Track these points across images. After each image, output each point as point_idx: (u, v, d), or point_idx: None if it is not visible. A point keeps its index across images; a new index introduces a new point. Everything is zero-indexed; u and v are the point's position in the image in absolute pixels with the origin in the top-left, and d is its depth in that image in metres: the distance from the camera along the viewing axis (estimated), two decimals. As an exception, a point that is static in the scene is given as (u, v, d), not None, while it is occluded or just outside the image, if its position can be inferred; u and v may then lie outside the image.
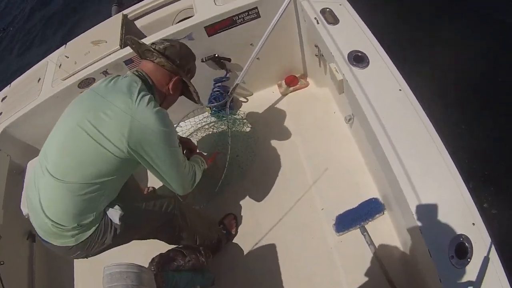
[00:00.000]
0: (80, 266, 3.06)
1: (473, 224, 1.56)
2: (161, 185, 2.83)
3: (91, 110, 1.70)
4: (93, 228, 1.80)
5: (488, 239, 1.52)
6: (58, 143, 1.75)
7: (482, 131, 3.39)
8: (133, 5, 3.25)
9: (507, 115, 3.39)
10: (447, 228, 1.57)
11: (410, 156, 1.76)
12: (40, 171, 1.76)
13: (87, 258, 1.94)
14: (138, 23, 3.23)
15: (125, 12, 3.15)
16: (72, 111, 1.80)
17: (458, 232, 1.55)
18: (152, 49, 1.92)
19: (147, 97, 1.75)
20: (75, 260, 3.05)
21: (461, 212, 1.58)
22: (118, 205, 1.85)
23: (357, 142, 2.74)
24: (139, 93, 1.74)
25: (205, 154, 2.56)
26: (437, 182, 1.67)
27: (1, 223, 2.68)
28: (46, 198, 1.73)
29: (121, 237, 1.91)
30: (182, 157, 1.92)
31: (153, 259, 2.16)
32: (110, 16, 3.28)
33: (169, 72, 1.95)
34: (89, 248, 1.84)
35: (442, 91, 3.58)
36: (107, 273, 1.68)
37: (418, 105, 1.89)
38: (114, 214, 1.84)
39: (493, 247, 1.51)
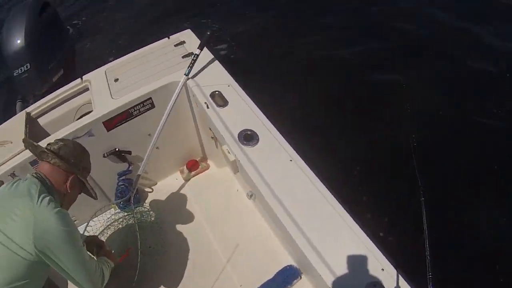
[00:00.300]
0: None
1: (382, 269, 1.64)
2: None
3: None
4: None
5: (398, 278, 1.61)
6: None
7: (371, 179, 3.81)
8: (36, 101, 3.28)
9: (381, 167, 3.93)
10: (358, 279, 1.63)
11: (309, 221, 1.85)
12: None
13: None
14: (42, 120, 3.24)
15: (28, 110, 3.15)
16: None
17: (370, 280, 1.61)
18: (47, 151, 1.99)
19: (47, 198, 1.79)
20: None
21: (368, 261, 1.66)
22: None
23: (262, 215, 2.81)
24: (39, 195, 1.78)
25: (113, 252, 2.53)
26: (340, 241, 1.76)
27: None
28: None
29: None
30: (87, 255, 1.95)
31: None
32: (15, 112, 3.32)
33: (65, 172, 2.01)
34: None
35: (329, 153, 3.98)
36: None
37: (308, 170, 2.04)
38: None
39: (405, 282, 1.60)
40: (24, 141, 2.17)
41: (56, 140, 2.15)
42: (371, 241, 1.73)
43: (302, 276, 2.46)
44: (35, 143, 2.07)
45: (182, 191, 3.31)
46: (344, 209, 1.90)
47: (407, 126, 3.74)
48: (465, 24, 5.57)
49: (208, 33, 2.83)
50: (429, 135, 4.09)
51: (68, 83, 3.25)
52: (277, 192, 2.01)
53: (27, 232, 1.67)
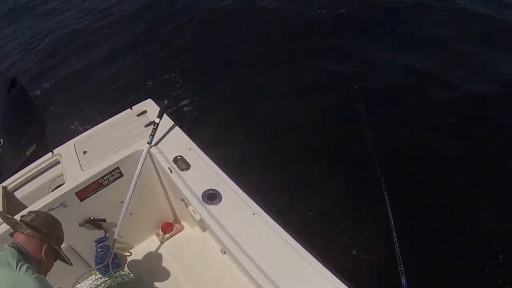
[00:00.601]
0: None
1: None
2: None
3: None
4: None
5: None
6: None
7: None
8: (11, 175, 3.38)
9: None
10: None
11: (279, 271, 1.94)
12: None
13: None
14: (18, 194, 3.34)
15: (4, 184, 3.26)
16: None
17: None
18: (20, 222, 2.11)
19: (25, 266, 1.88)
20: None
21: None
22: None
23: (238, 267, 2.85)
24: (17, 264, 1.86)
25: None
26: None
27: None
28: None
29: None
30: None
31: None
32: None
33: (39, 241, 2.09)
34: None
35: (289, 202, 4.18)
36: None
37: (270, 220, 2.15)
38: None
39: None
40: None
41: (29, 212, 2.25)
42: (339, 281, 1.82)
43: None
44: (8, 216, 2.22)
45: (159, 253, 3.38)
46: (310, 253, 1.99)
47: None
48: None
49: (166, 102, 3.02)
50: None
51: (41, 155, 3.38)
52: (244, 246, 2.10)
53: None
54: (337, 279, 1.86)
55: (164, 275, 3.19)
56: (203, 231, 2.58)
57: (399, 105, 5.36)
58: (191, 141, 2.83)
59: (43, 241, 2.11)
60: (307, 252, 1.99)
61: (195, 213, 2.43)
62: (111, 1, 11.71)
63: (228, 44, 7.81)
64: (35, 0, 14.19)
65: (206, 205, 2.36)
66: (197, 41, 8.30)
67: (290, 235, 2.11)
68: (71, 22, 11.86)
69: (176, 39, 8.61)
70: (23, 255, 1.99)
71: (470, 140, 4.66)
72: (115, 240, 3.00)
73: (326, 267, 1.93)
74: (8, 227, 2.75)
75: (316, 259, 1.97)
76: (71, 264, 2.29)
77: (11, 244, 2.04)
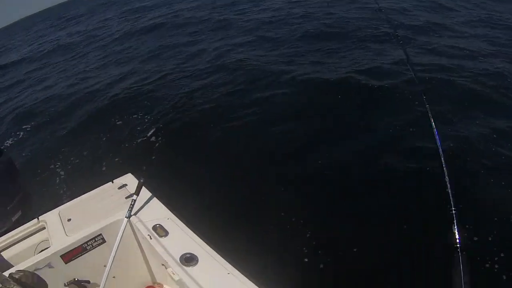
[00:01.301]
0: None
1: None
2: None
3: None
4: None
5: None
6: None
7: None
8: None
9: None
10: None
11: None
12: None
13: None
14: (5, 254, 3.52)
15: None
16: None
17: None
18: (9, 279, 2.28)
19: None
20: None
21: None
22: None
23: None
24: None
25: None
26: None
27: None
28: None
29: None
30: None
31: None
32: None
33: None
34: None
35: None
36: None
37: (245, 279, 2.37)
38: None
39: None
40: None
41: (17, 270, 2.45)
42: None
43: None
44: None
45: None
46: None
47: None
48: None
49: (142, 180, 3.29)
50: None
51: (27, 221, 3.61)
52: None
53: None
54: None
55: None
56: None
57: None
58: (169, 211, 3.12)
59: None
60: None
61: (173, 274, 2.63)
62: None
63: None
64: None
65: (184, 266, 2.59)
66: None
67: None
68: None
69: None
70: None
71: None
72: None
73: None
74: None
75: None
76: None
77: None
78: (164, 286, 3.65)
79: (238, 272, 2.48)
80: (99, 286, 3.25)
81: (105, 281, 3.06)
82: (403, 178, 5.46)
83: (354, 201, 5.19)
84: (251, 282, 2.39)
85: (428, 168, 5.33)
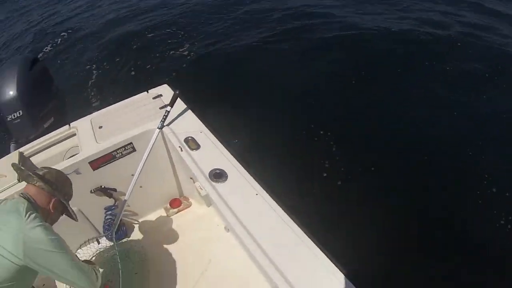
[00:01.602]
0: None
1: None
2: None
3: None
4: None
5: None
6: None
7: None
8: (28, 143, 3.62)
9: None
10: None
11: (277, 250, 2.10)
12: None
13: None
14: (33, 160, 3.56)
15: (21, 150, 3.49)
16: None
17: None
18: (33, 174, 2.26)
19: (33, 215, 2.02)
20: None
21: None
22: None
23: (241, 246, 3.05)
24: (26, 212, 2.00)
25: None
26: (307, 269, 1.99)
27: None
28: None
29: None
30: (77, 258, 2.19)
31: None
32: (9, 152, 3.64)
33: (48, 194, 2.24)
34: None
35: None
36: None
37: (273, 202, 2.30)
38: None
39: None
40: (12, 165, 2.50)
41: (41, 167, 2.43)
42: (334, 266, 1.97)
43: None
44: (22, 167, 2.39)
45: (166, 226, 3.57)
46: (309, 237, 2.14)
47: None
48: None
49: (177, 91, 3.22)
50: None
51: (57, 128, 3.61)
52: (245, 224, 2.26)
53: (17, 244, 1.89)
54: (332, 264, 2.00)
55: (169, 247, 3.39)
56: (208, 206, 2.77)
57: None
58: (202, 124, 3.04)
59: (52, 195, 2.26)
60: (306, 236, 2.14)
61: (201, 189, 2.61)
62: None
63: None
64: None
65: (212, 182, 2.55)
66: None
67: (291, 217, 2.27)
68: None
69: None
70: (32, 205, 2.13)
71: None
72: (124, 201, 3.15)
73: (323, 251, 2.07)
74: (20, 188, 2.98)
75: (315, 243, 2.11)
76: (76, 220, 2.47)
77: (21, 194, 2.18)
78: (190, 200, 3.68)
79: (266, 194, 2.42)
80: (124, 194, 3.29)
81: (132, 189, 3.09)
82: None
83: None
84: (279, 207, 2.32)
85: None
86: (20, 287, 2.03)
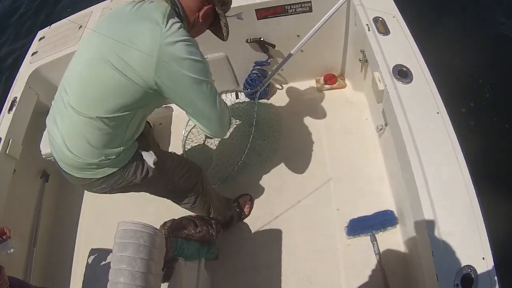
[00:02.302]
0: (88, 212, 3.27)
1: (483, 258, 1.61)
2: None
3: (114, 37, 1.61)
4: (123, 164, 1.85)
5: (494, 277, 1.58)
6: (79, 74, 1.71)
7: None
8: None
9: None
10: (458, 256, 1.63)
11: (435, 176, 1.82)
12: (61, 104, 1.76)
13: (111, 193, 1.99)
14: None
15: None
16: (92, 40, 1.72)
17: (468, 263, 1.60)
18: None
19: (177, 25, 1.64)
20: (82, 207, 3.29)
21: (474, 244, 1.64)
22: (152, 151, 1.94)
23: (383, 152, 2.84)
24: (167, 20, 1.62)
25: None
26: (456, 209, 1.73)
27: (17, 159, 2.83)
28: (69, 133, 1.75)
29: (148, 182, 1.98)
30: (216, 91, 1.79)
31: (165, 222, 2.25)
32: None
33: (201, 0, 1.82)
34: (115, 183, 1.90)
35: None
36: (122, 229, 1.73)
37: (452, 131, 1.95)
38: (149, 157, 1.90)
39: (497, 286, 1.57)
40: None
41: None
42: (484, 228, 1.67)
43: (397, 226, 2.54)
44: None
45: (311, 100, 3.38)
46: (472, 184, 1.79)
47: None
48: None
49: None
50: None
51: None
52: (414, 134, 1.96)
53: (149, 60, 1.55)
54: (482, 220, 1.69)
55: (306, 122, 3.25)
56: (378, 102, 2.46)
57: None
58: (397, 9, 2.54)
59: (206, 1, 1.83)
60: (470, 181, 1.78)
61: (379, 81, 2.27)
62: None
63: None
64: None
65: (395, 79, 2.19)
66: None
67: (464, 153, 1.88)
68: None
69: None
70: (176, 12, 1.74)
71: None
72: (284, 61, 2.87)
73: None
74: None
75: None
76: (225, 39, 2.06)
77: None
78: (347, 81, 3.39)
79: (448, 118, 2.00)
80: (282, 54, 3.13)
81: (295, 51, 2.79)
82: None
83: None
84: (455, 136, 1.93)
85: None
86: (145, 113, 1.84)
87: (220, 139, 3.28)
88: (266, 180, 3.04)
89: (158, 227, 2.02)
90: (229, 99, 3.38)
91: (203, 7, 1.83)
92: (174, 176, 2.17)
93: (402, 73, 2.21)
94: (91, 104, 1.66)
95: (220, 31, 2.01)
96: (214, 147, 3.28)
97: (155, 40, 1.56)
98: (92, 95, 1.65)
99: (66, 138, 1.76)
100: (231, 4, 2.03)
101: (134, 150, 1.90)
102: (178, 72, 1.60)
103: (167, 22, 1.61)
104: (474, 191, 1.76)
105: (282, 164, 3.06)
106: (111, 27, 1.69)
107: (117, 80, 1.59)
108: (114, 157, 1.80)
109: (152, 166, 1.91)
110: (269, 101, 3.42)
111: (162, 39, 1.56)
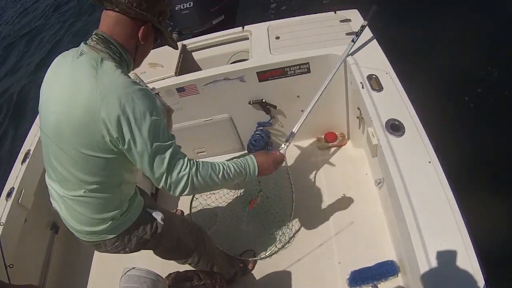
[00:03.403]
0: (96, 264, 3.32)
1: None
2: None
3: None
4: (132, 221, 1.93)
5: None
6: (54, 158, 1.79)
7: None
8: (193, 37, 3.65)
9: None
10: None
11: (430, 229, 1.86)
12: (51, 185, 1.94)
13: (125, 252, 2.04)
14: (195, 55, 3.60)
15: (185, 42, 3.52)
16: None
17: None
18: None
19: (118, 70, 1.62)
20: (94, 257, 3.35)
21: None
22: (158, 210, 2.04)
23: (382, 205, 2.90)
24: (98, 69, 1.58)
25: None
26: (454, 264, 1.75)
27: (29, 208, 2.92)
28: (67, 214, 1.90)
29: (158, 237, 2.04)
30: (167, 133, 1.66)
31: (169, 274, 2.31)
32: None
33: (134, 21, 1.70)
34: (128, 241, 1.96)
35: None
36: (126, 274, 1.83)
37: (444, 179, 2.01)
38: (157, 214, 2.00)
39: None
40: None
41: None
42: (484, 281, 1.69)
43: (399, 275, 2.56)
44: None
45: (313, 158, 3.50)
46: (466, 227, 1.84)
47: None
48: None
49: (367, 20, 2.86)
50: None
51: (225, 29, 3.53)
52: (408, 186, 2.03)
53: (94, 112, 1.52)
54: (481, 273, 1.70)
55: (310, 178, 3.35)
56: (373, 156, 2.58)
57: None
58: (389, 65, 2.72)
59: (141, 20, 1.71)
60: (462, 221, 1.84)
61: (373, 136, 2.39)
62: None
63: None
64: None
65: (388, 133, 2.30)
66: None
67: (457, 202, 1.93)
68: None
69: None
70: (112, 52, 1.68)
71: None
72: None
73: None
74: (177, 82, 3.05)
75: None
76: (176, 47, 2.03)
77: (94, 38, 1.68)
78: (347, 138, 3.53)
79: (439, 166, 2.08)
80: (284, 114, 3.31)
81: (305, 116, 2.76)
82: None
83: None
84: (447, 183, 2.00)
85: None
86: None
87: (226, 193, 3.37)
88: (269, 232, 3.10)
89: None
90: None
91: (139, 29, 1.73)
92: (180, 233, 2.26)
93: (395, 127, 2.32)
94: (74, 184, 1.77)
95: (168, 42, 1.97)
96: (220, 204, 3.35)
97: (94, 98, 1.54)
98: (69, 178, 1.77)
99: (68, 220, 1.93)
100: (168, 11, 1.88)
101: (141, 207, 2.00)
102: (119, 114, 1.54)
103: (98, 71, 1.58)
104: (469, 239, 1.80)
105: (286, 215, 3.12)
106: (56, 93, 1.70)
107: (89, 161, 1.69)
108: (120, 216, 1.89)
109: (161, 222, 2.00)
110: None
111: (99, 92, 1.53)
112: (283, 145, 2.55)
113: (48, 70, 1.81)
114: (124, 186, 1.85)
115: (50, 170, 1.87)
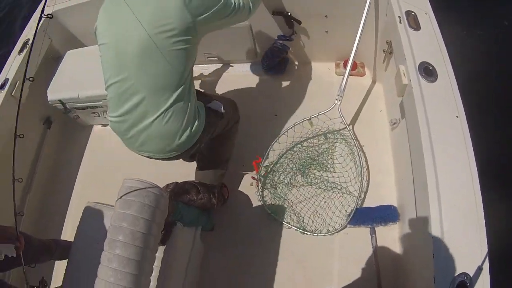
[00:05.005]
0: (87, 166, 3.35)
1: (481, 269, 1.64)
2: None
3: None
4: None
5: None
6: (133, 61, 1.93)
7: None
8: None
9: None
10: (457, 262, 1.66)
11: (446, 178, 1.84)
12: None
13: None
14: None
15: None
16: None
17: (465, 270, 1.63)
18: None
19: None
20: (83, 160, 3.39)
21: (474, 252, 1.67)
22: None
23: (393, 146, 2.86)
24: None
25: None
26: (462, 214, 1.76)
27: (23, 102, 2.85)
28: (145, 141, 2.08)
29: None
30: None
31: (168, 185, 2.30)
32: None
33: None
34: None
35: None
36: (127, 186, 1.76)
37: (469, 138, 1.96)
38: (218, 106, 2.31)
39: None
40: None
41: None
42: (486, 241, 1.69)
43: (398, 223, 2.58)
44: None
45: (327, 82, 3.37)
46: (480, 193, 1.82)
47: None
48: None
49: None
50: None
51: None
52: (432, 134, 1.98)
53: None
54: (485, 234, 1.72)
55: (322, 102, 3.15)
56: (398, 96, 2.47)
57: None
58: (430, 7, 2.53)
59: None
60: (479, 192, 1.80)
61: (404, 75, 2.28)
62: None
63: None
64: None
65: (420, 76, 2.19)
66: None
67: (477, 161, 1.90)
68: None
69: None
70: None
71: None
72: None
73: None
74: None
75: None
76: None
77: None
78: (366, 69, 3.40)
79: (466, 123, 2.01)
80: (306, 31, 3.16)
81: (360, 35, 2.77)
82: None
83: None
84: (471, 145, 1.94)
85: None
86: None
87: None
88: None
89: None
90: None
91: None
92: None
93: (428, 71, 2.21)
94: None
95: None
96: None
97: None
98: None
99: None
100: None
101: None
102: None
103: None
104: (481, 200, 1.78)
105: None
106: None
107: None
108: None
109: (222, 111, 2.32)
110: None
111: None
112: (336, 101, 2.69)
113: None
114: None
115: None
